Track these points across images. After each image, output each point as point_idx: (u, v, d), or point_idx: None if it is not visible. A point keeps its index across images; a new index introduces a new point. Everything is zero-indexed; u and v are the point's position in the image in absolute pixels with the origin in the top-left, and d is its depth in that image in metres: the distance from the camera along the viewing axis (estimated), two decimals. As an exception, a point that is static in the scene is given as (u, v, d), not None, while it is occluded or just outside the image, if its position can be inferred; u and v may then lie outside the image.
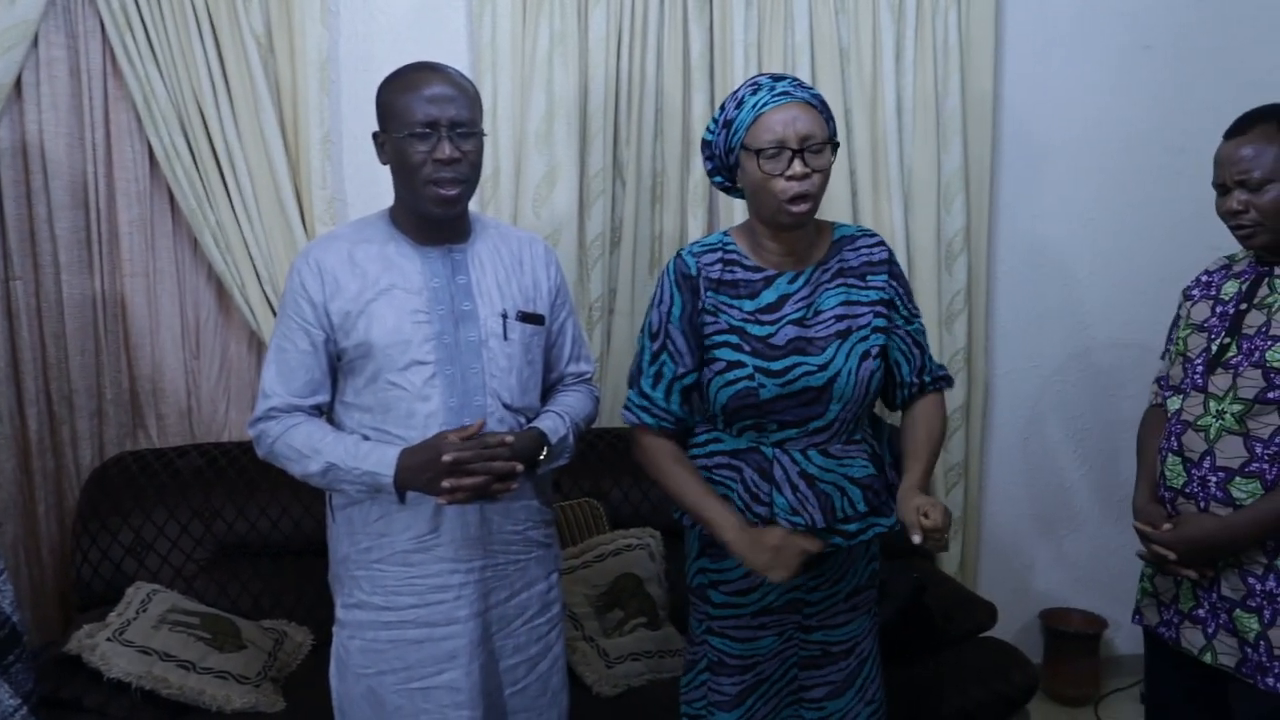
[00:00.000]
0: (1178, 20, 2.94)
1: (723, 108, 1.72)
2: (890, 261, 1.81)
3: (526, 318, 1.79)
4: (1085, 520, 3.19)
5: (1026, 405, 3.10)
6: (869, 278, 1.77)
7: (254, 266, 2.55)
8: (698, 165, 2.77)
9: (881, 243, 1.82)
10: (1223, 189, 1.80)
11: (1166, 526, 1.82)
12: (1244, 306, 1.82)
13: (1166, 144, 2.98)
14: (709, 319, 1.73)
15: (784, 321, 1.72)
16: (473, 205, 1.83)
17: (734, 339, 1.72)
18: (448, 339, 1.72)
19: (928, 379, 1.83)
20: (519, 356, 1.77)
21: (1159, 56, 2.94)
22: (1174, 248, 2.90)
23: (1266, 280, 1.81)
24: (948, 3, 2.77)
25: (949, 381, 1.87)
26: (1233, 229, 1.80)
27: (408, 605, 1.74)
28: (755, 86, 1.68)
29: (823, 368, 1.70)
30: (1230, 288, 1.87)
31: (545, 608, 1.86)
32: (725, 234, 1.80)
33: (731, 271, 1.74)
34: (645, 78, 2.72)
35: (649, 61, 2.72)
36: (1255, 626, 1.74)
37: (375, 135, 1.74)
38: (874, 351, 1.74)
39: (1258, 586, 1.75)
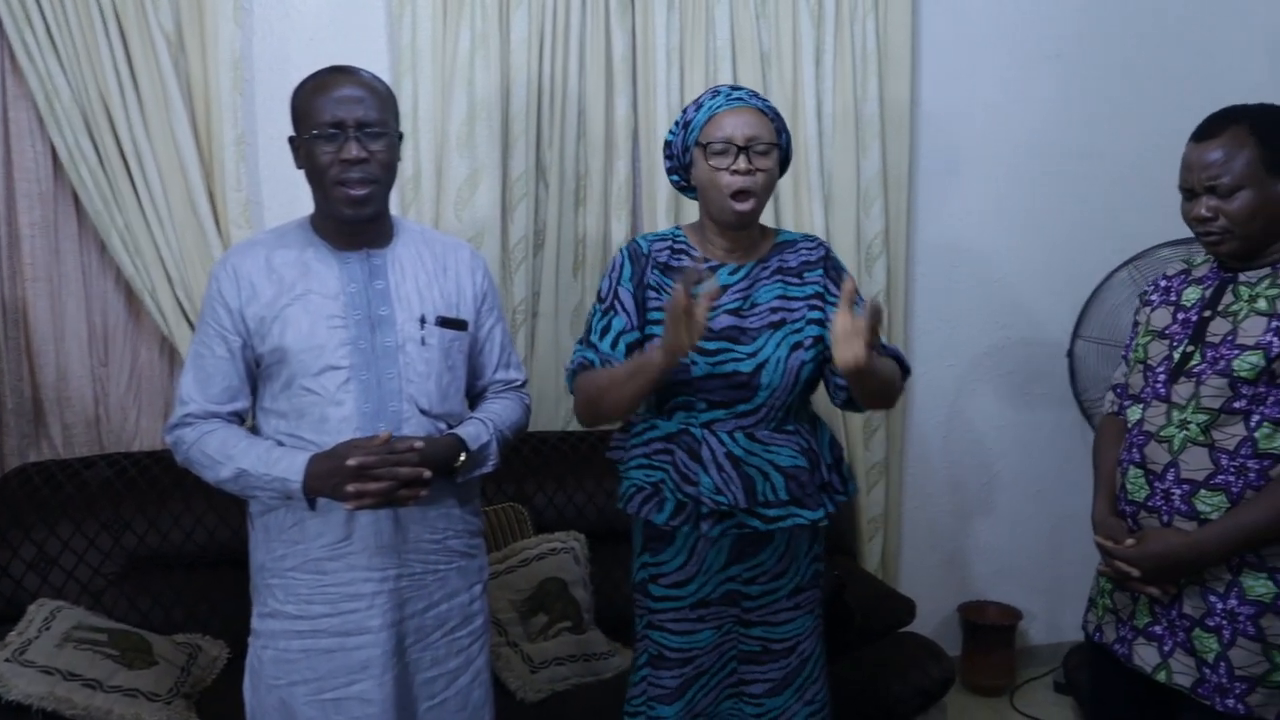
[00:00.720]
0: (1085, 29, 3.03)
1: (685, 111, 1.84)
2: (826, 258, 1.88)
3: (447, 323, 1.78)
4: (1001, 514, 3.27)
5: (944, 404, 3.17)
6: (805, 275, 1.85)
7: (165, 270, 2.48)
8: (621, 168, 2.77)
9: (821, 244, 1.90)
10: (1190, 194, 1.72)
11: (1130, 541, 1.75)
12: (1207, 314, 1.76)
13: (1076, 149, 3.07)
14: (652, 295, 1.81)
15: (721, 310, 1.80)
16: (393, 208, 1.82)
17: None
18: (363, 344, 1.70)
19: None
20: (438, 362, 1.76)
21: (1067, 64, 3.03)
22: (1083, 249, 3.00)
23: (1230, 287, 1.75)
24: (866, 9, 2.81)
25: (898, 355, 1.84)
26: (1199, 235, 1.74)
27: (320, 614, 1.71)
28: (715, 93, 1.82)
29: (752, 355, 1.77)
30: (1192, 294, 1.82)
31: (467, 620, 1.84)
32: (677, 228, 1.91)
33: (679, 259, 1.84)
34: (568, 80, 2.72)
35: (571, 64, 2.71)
36: (1215, 647, 1.68)
37: (290, 139, 1.72)
38: (806, 343, 1.79)
39: (1219, 605, 1.69)
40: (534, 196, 2.75)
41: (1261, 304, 1.68)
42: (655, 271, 1.83)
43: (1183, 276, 1.87)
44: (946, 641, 3.01)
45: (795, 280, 1.84)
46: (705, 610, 1.85)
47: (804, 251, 1.87)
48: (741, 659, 1.89)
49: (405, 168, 2.58)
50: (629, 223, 2.81)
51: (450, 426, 1.78)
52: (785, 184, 2.87)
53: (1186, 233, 2.59)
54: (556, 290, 2.80)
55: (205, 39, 2.46)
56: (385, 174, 1.69)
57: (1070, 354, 2.91)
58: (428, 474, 1.63)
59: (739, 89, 1.82)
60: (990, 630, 3.19)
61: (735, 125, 1.75)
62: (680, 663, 1.85)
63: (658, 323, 1.78)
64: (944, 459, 3.21)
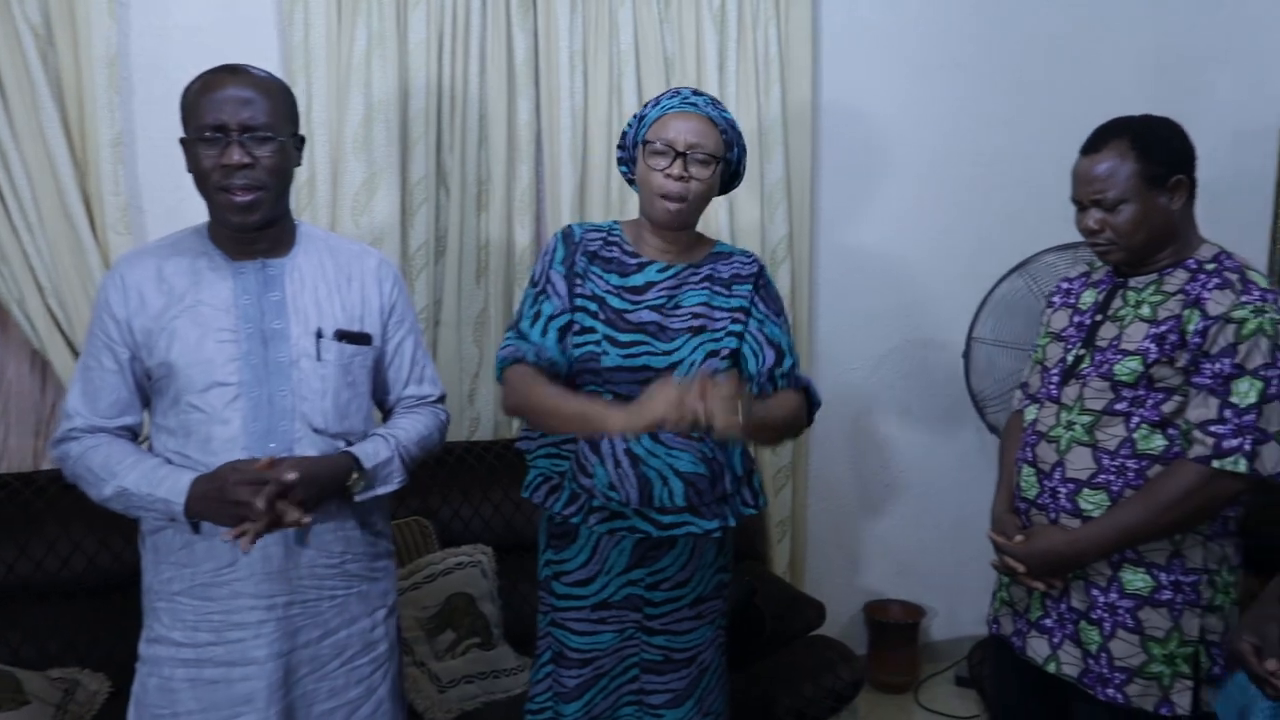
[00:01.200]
0: (980, 42, 3.11)
1: (645, 105, 1.82)
2: (759, 275, 1.86)
3: (346, 337, 1.70)
4: (904, 514, 3.33)
5: (849, 406, 3.21)
6: (734, 288, 1.82)
7: (35, 279, 2.33)
8: (524, 172, 2.72)
9: (755, 260, 1.88)
10: (1080, 205, 1.78)
11: (1019, 538, 1.82)
12: (1099, 318, 1.82)
13: (973, 156, 3.15)
14: (578, 281, 1.78)
15: (644, 305, 1.78)
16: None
17: (593, 306, 1.77)
18: (254, 360, 1.62)
19: (780, 379, 1.80)
20: (335, 378, 1.68)
21: (965, 74, 3.10)
22: (980, 252, 3.06)
23: (1121, 292, 1.81)
24: (767, 16, 2.82)
25: (809, 388, 1.83)
26: (1090, 246, 1.80)
27: (206, 642, 1.62)
28: (675, 93, 1.79)
29: (668, 354, 1.75)
30: (1088, 297, 1.88)
31: (369, 647, 1.75)
32: (615, 222, 1.89)
33: (610, 250, 1.82)
34: (468, 83, 2.65)
35: (472, 66, 2.65)
36: (1097, 639, 1.75)
37: (181, 141, 1.62)
38: (722, 353, 1.77)
39: (1101, 599, 1.76)
40: (435, 201, 2.68)
41: (1145, 310, 1.74)
42: (583, 258, 1.81)
43: (1083, 279, 1.93)
44: (853, 641, 3.04)
45: (723, 291, 1.81)
46: (607, 612, 1.82)
47: (738, 265, 1.85)
48: (644, 668, 1.86)
49: (299, 171, 2.48)
50: (533, 228, 2.76)
51: (350, 445, 1.70)
52: (690, 189, 2.85)
53: (1073, 238, 2.68)
54: (459, 298, 2.73)
55: (77, 34, 2.31)
56: (273, 180, 1.60)
57: (966, 355, 2.97)
58: (299, 516, 1.53)
59: (700, 94, 1.79)
60: (895, 628, 3.24)
61: (680, 129, 1.72)
62: (580, 663, 1.83)
63: (577, 310, 1.77)
64: (848, 461, 3.25)
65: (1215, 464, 1.64)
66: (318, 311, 1.68)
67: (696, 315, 1.78)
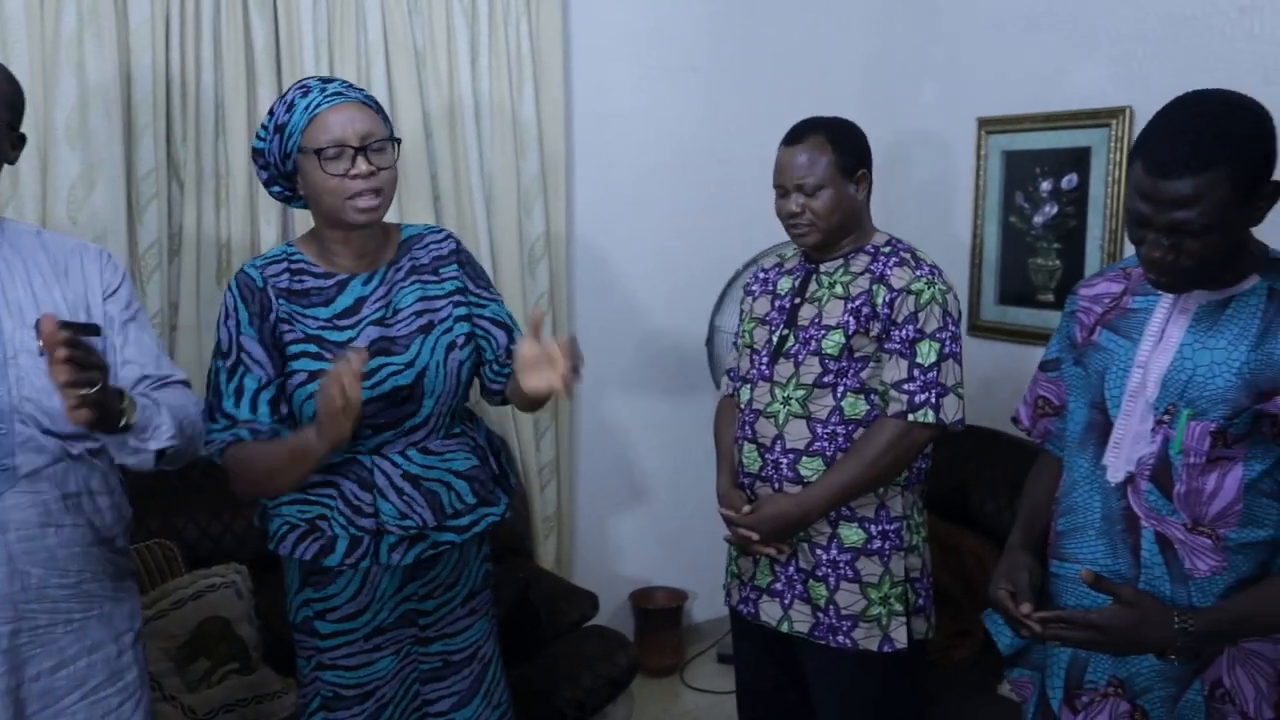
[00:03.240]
0: (715, 47, 3.26)
1: (271, 113, 1.65)
2: (458, 251, 1.81)
3: (74, 328, 1.51)
4: (664, 504, 3.44)
5: (608, 400, 3.28)
6: (441, 270, 1.77)
7: None
8: (268, 166, 2.57)
9: (449, 236, 1.83)
10: (782, 191, 1.96)
11: (746, 509, 1.95)
12: (798, 301, 2.00)
13: (713, 155, 3.30)
14: (285, 327, 1.65)
15: (364, 323, 1.68)
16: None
17: (312, 348, 1.65)
18: None
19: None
20: None
21: (703, 77, 3.25)
22: (725, 248, 3.20)
23: (814, 276, 2.01)
24: (519, 12, 2.82)
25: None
26: (789, 228, 1.98)
27: None
28: (305, 89, 1.64)
29: (409, 365, 1.68)
30: (785, 283, 2.06)
31: (115, 676, 1.59)
32: (289, 244, 1.74)
33: (301, 280, 1.68)
34: (201, 70, 2.47)
35: (205, 52, 2.47)
36: (825, 593, 1.93)
37: None
38: (459, 342, 1.74)
39: (824, 556, 1.94)
40: (167, 197, 2.47)
41: (839, 289, 1.95)
42: (282, 301, 1.66)
43: (777, 269, 2.12)
44: (621, 629, 3.10)
45: (432, 278, 1.75)
46: (381, 638, 1.74)
47: (433, 246, 1.79)
48: (423, 679, 1.80)
49: None
50: (280, 225, 2.61)
51: (89, 449, 1.53)
52: (446, 186, 2.81)
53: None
54: (198, 300, 2.54)
55: None
56: None
57: (709, 344, 3.12)
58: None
59: (330, 81, 1.65)
60: (659, 614, 3.35)
61: (343, 124, 1.60)
62: (360, 699, 1.73)
63: (297, 356, 1.65)
64: (610, 454, 3.32)
65: (910, 417, 1.87)
66: (35, 303, 1.51)
67: (419, 314, 1.72)
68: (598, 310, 3.21)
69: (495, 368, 1.81)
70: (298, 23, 2.56)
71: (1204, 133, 1.29)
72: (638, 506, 3.41)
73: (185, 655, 2.18)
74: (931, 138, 3.25)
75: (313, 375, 1.63)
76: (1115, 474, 1.46)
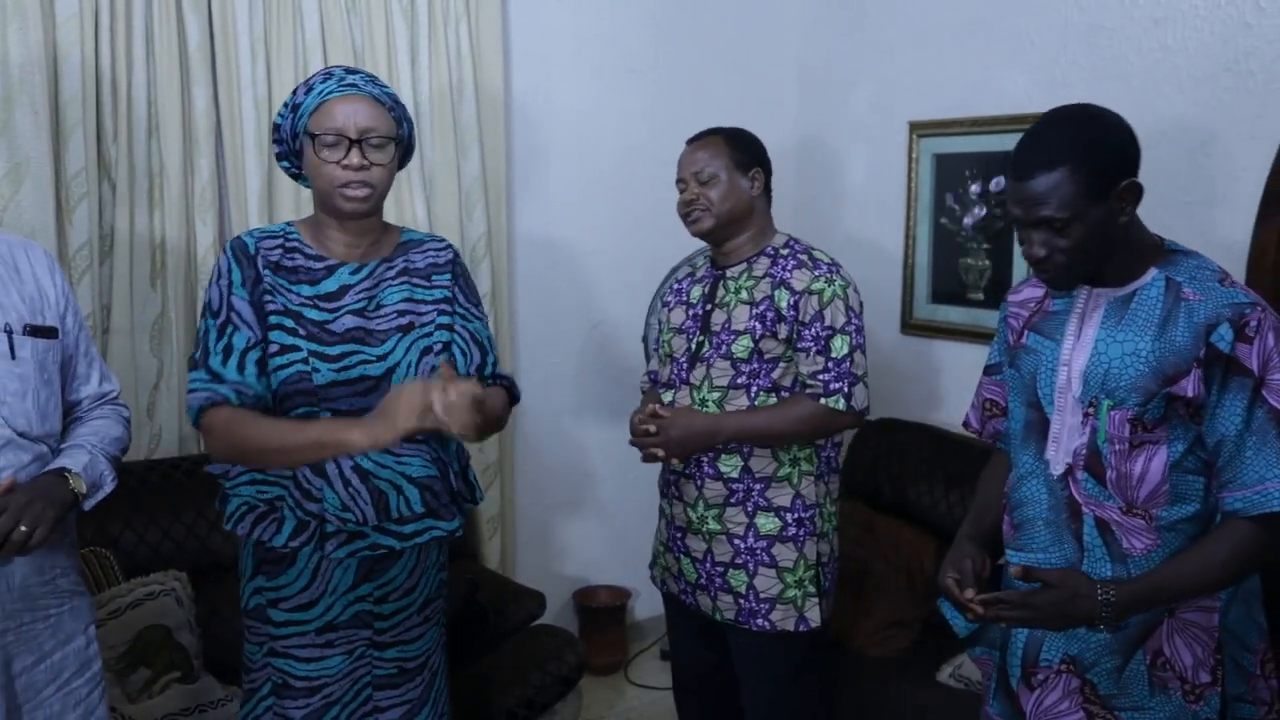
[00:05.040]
0: (657, 52, 3.29)
1: (295, 92, 1.70)
2: (454, 263, 1.83)
3: (37, 331, 1.54)
4: (605, 502, 3.46)
5: (550, 400, 3.28)
6: (434, 278, 1.78)
7: None
8: (204, 166, 2.52)
9: (449, 247, 1.85)
10: (682, 185, 2.13)
11: (658, 416, 2.04)
12: (709, 307, 2.13)
13: (654, 157, 3.29)
14: (268, 299, 1.66)
15: (344, 311, 1.69)
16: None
17: (289, 322, 1.66)
18: None
19: (487, 377, 1.82)
20: (34, 377, 1.52)
21: (644, 79, 3.28)
22: (665, 248, 3.23)
23: (721, 282, 2.13)
24: (459, 13, 2.82)
25: (511, 384, 1.85)
26: (685, 216, 2.12)
27: None
28: (327, 75, 1.69)
29: (381, 358, 1.68)
30: (696, 292, 2.18)
31: (84, 666, 1.62)
32: (289, 224, 1.77)
33: (292, 258, 1.71)
34: (133, 67, 2.42)
35: (137, 49, 2.42)
36: (745, 579, 2.07)
37: None
38: (435, 349, 1.74)
39: (742, 545, 2.08)
40: (98, 196, 2.42)
41: (744, 295, 2.07)
42: (268, 272, 1.68)
43: (689, 278, 2.25)
44: (564, 627, 3.11)
45: (423, 282, 1.77)
46: (334, 634, 1.73)
47: (431, 253, 1.81)
48: (377, 685, 1.78)
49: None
50: (216, 226, 2.57)
51: (52, 450, 1.56)
52: (386, 186, 2.79)
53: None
54: (131, 302, 2.48)
55: None
56: None
57: (645, 340, 3.15)
58: (23, 530, 1.40)
59: (355, 73, 1.69)
60: (603, 612, 3.37)
61: (347, 115, 1.63)
62: (307, 692, 1.72)
63: (274, 328, 1.65)
64: (552, 454, 3.32)
65: (823, 401, 2.01)
66: None
67: (402, 313, 1.72)
68: (540, 311, 3.22)
69: None
70: (233, 20, 2.52)
71: (1055, 138, 1.44)
72: (580, 505, 3.43)
73: (125, 665, 2.13)
74: (865, 141, 3.33)
75: (284, 349, 1.64)
76: (1056, 467, 1.55)
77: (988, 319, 2.96)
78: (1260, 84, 2.32)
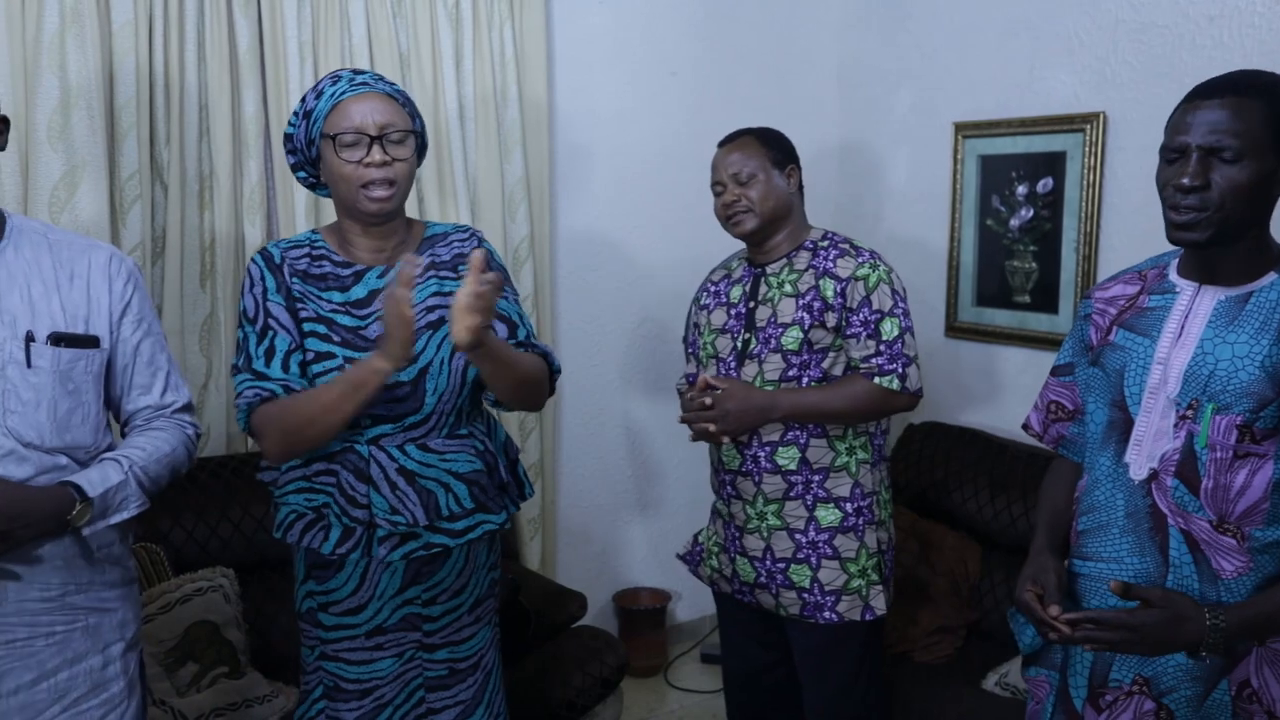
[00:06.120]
0: (697, 55, 3.29)
1: (304, 100, 1.69)
2: (480, 248, 1.79)
3: (66, 340, 1.51)
4: (647, 502, 3.46)
5: (593, 401, 3.29)
6: (460, 268, 1.75)
7: None
8: (253, 167, 2.56)
9: (474, 235, 1.83)
10: (719, 188, 2.13)
11: (713, 391, 2.04)
12: (751, 305, 2.13)
13: (696, 158, 3.29)
14: (300, 306, 1.67)
15: (375, 316, 1.68)
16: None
17: (322, 329, 1.66)
18: None
19: (518, 347, 1.77)
20: (52, 387, 1.49)
21: (684, 83, 3.28)
22: (705, 249, 3.22)
23: (762, 279, 2.14)
24: (503, 16, 2.84)
25: (548, 353, 1.81)
26: (727, 219, 2.12)
27: None
28: (335, 78, 1.68)
29: (411, 362, 1.65)
30: (736, 292, 2.18)
31: (99, 687, 1.56)
32: (313, 232, 1.76)
33: (320, 265, 1.70)
34: (185, 71, 2.46)
35: (189, 54, 2.45)
36: (808, 573, 2.08)
37: None
38: None
39: (803, 539, 2.08)
40: (150, 198, 2.46)
41: (788, 288, 2.08)
42: (296, 280, 1.68)
43: (726, 280, 2.24)
44: (605, 629, 3.11)
45: (450, 275, 1.75)
46: (383, 638, 1.73)
47: (456, 244, 1.79)
48: (429, 686, 1.78)
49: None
50: (264, 226, 2.60)
51: (77, 460, 1.52)
52: (430, 189, 2.81)
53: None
54: (182, 302, 2.52)
55: None
56: None
57: (684, 342, 3.14)
58: None
59: (362, 72, 1.69)
60: (644, 614, 3.36)
61: (364, 113, 1.63)
62: (359, 694, 1.73)
63: (307, 335, 1.66)
64: (594, 455, 3.33)
65: (877, 380, 2.03)
66: (31, 313, 1.49)
67: (431, 309, 1.71)
68: (581, 312, 3.23)
69: None
70: (282, 24, 2.55)
71: (1252, 77, 1.37)
72: (621, 507, 3.43)
73: (174, 659, 2.16)
74: (908, 142, 3.30)
75: (320, 356, 1.65)
76: (1138, 471, 1.46)
77: (1034, 322, 2.92)
78: (1319, 81, 2.27)
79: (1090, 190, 2.74)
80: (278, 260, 1.69)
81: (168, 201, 2.48)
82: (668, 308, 3.27)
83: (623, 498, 3.42)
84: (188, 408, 1.70)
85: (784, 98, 3.35)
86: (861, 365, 2.05)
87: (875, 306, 2.04)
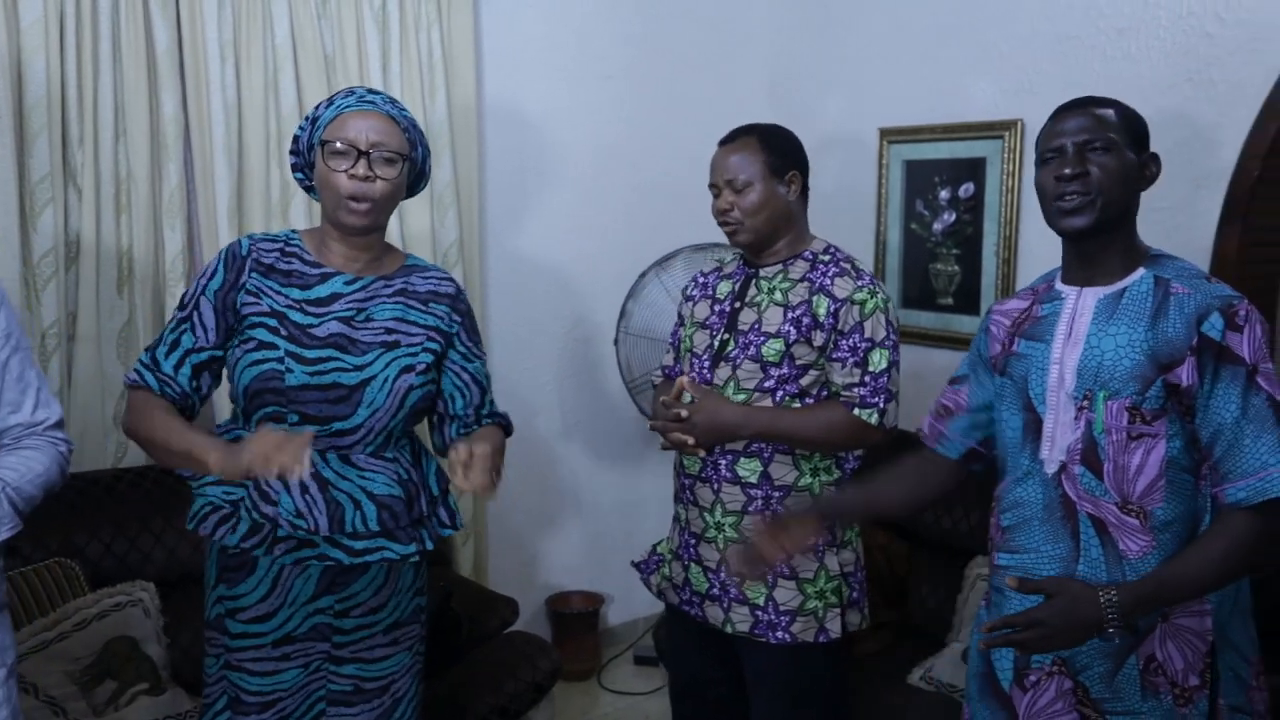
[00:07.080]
0: (631, 58, 3.30)
1: (316, 106, 1.74)
2: (457, 297, 1.83)
3: None
4: (579, 507, 3.46)
5: (523, 406, 3.26)
6: (431, 305, 1.78)
7: None
8: (172, 172, 2.50)
9: (452, 280, 1.85)
10: (715, 190, 2.03)
11: (683, 412, 1.96)
12: (737, 305, 2.04)
13: (632, 160, 3.34)
14: (249, 299, 1.68)
15: (330, 317, 1.70)
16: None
17: (272, 322, 1.67)
18: None
19: (485, 416, 1.85)
20: None
21: (617, 84, 3.29)
22: (637, 252, 3.24)
23: (754, 281, 2.05)
24: (430, 18, 2.81)
25: (507, 421, 1.89)
26: (722, 225, 2.03)
27: None
28: (349, 92, 1.73)
29: (359, 368, 1.68)
30: (724, 288, 2.10)
31: None
32: (293, 231, 1.79)
33: (288, 262, 1.73)
34: (100, 71, 2.39)
35: (103, 53, 2.39)
36: (763, 590, 1.97)
37: None
38: (418, 368, 1.73)
39: None
40: (63, 202, 2.39)
41: (778, 296, 1.99)
42: (255, 275, 1.70)
43: (716, 273, 2.16)
44: (538, 634, 3.10)
45: (418, 306, 1.76)
46: (291, 647, 1.71)
47: (434, 281, 1.81)
48: (331, 700, 1.75)
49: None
50: (184, 232, 2.54)
51: None
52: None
53: (706, 239, 2.93)
54: (97, 310, 2.45)
55: None
56: None
57: (616, 344, 3.14)
58: None
59: (376, 93, 1.73)
60: (576, 618, 3.36)
61: (361, 128, 1.66)
62: (260, 707, 1.70)
63: (255, 326, 1.67)
64: (524, 458, 3.30)
65: (856, 412, 1.94)
66: None
67: (390, 330, 1.72)
68: (514, 314, 3.21)
69: (457, 427, 1.82)
70: (201, 24, 2.49)
71: (1093, 96, 1.59)
72: (552, 511, 3.42)
73: (91, 677, 2.10)
74: (836, 147, 3.35)
75: (261, 345, 1.66)
76: (1050, 465, 1.56)
77: (958, 324, 2.99)
78: (1221, 93, 2.37)
79: (1009, 195, 2.82)
80: (243, 252, 1.71)
81: (82, 206, 2.41)
82: (601, 311, 3.27)
83: (554, 502, 3.42)
84: (59, 424, 1.62)
85: (715, 101, 3.38)
86: (843, 392, 1.94)
87: (867, 334, 1.94)
